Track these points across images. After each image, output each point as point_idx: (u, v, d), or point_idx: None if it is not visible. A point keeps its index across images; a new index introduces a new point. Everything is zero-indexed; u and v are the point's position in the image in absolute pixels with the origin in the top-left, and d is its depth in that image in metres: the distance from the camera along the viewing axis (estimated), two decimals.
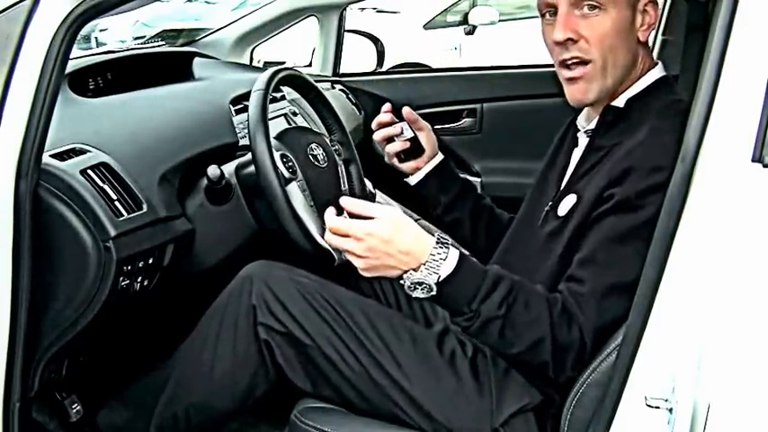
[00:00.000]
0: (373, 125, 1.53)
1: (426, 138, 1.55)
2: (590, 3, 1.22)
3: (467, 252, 1.27)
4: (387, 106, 1.53)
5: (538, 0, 1.28)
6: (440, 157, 1.57)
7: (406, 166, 1.56)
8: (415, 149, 1.54)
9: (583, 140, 1.34)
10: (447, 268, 1.17)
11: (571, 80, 1.28)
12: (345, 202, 1.19)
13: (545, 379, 1.22)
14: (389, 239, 1.15)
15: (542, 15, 1.29)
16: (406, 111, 1.52)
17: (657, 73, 1.30)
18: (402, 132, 1.51)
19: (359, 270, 1.19)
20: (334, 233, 1.18)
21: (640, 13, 1.25)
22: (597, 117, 1.31)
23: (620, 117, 1.28)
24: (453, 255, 1.18)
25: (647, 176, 1.15)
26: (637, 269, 1.08)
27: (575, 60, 1.26)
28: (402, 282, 1.18)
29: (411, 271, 1.16)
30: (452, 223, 1.59)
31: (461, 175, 1.62)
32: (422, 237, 1.18)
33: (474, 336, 1.22)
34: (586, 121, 1.35)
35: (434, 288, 1.16)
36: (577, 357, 1.17)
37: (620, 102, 1.29)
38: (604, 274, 1.16)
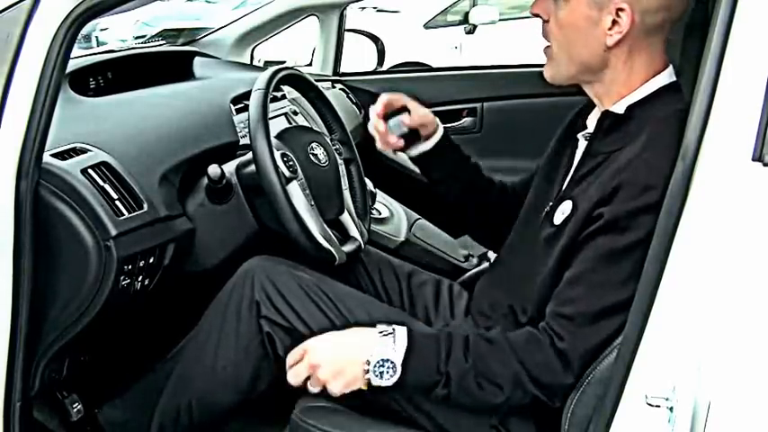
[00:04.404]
0: (370, 128, 1.48)
1: (420, 120, 1.47)
2: None
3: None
4: (375, 108, 1.46)
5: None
6: (438, 135, 1.50)
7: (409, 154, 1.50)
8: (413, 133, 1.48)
9: (582, 143, 1.31)
10: (401, 338, 1.19)
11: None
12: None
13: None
14: (327, 338, 1.24)
15: None
16: (382, 101, 1.44)
17: (665, 79, 1.23)
18: (393, 128, 1.44)
19: (329, 389, 1.20)
20: (294, 374, 1.23)
21: (610, 16, 1.17)
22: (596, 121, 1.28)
23: (619, 124, 1.23)
24: (400, 328, 1.20)
25: (638, 196, 1.11)
26: (626, 290, 1.09)
27: (546, 38, 1.27)
28: (367, 369, 1.18)
29: (370, 353, 1.18)
30: (441, 194, 1.55)
31: (462, 153, 1.55)
32: (359, 327, 1.25)
33: (459, 401, 1.21)
34: (591, 122, 1.31)
35: (399, 366, 1.17)
36: (567, 381, 1.17)
37: (619, 108, 1.24)
38: (592, 296, 1.15)
